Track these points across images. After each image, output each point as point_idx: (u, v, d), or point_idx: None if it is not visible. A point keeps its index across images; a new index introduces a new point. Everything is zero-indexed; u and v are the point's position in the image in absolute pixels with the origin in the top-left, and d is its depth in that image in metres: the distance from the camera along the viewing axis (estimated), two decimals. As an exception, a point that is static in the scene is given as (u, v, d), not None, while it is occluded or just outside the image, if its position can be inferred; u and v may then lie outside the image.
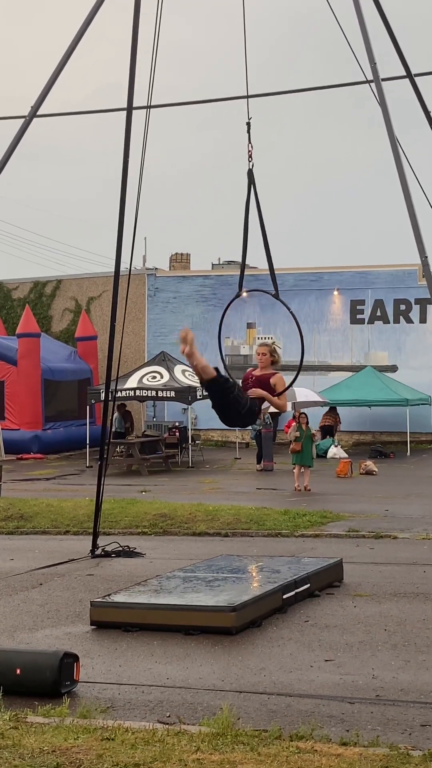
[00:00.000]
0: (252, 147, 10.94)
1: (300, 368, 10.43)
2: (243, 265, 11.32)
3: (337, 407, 30.57)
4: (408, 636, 9.00)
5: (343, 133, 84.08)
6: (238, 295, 11.06)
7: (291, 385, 10.81)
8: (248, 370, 10.62)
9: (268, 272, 10.79)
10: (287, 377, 10.33)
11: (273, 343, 10.44)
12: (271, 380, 10.16)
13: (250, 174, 10.88)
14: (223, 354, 11.32)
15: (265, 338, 32.67)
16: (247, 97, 12.12)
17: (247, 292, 11.00)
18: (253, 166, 10.88)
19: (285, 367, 10.41)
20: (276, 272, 10.81)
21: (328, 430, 30.38)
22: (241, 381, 10.31)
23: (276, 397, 10.14)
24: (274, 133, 77.46)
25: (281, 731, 6.33)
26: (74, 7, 74.12)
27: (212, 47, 78.73)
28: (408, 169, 10.71)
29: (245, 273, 11.21)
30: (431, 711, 6.94)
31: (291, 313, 10.62)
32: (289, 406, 26.19)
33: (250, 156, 10.89)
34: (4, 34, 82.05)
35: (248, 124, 11.14)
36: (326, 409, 30.38)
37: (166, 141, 78.99)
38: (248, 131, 11.08)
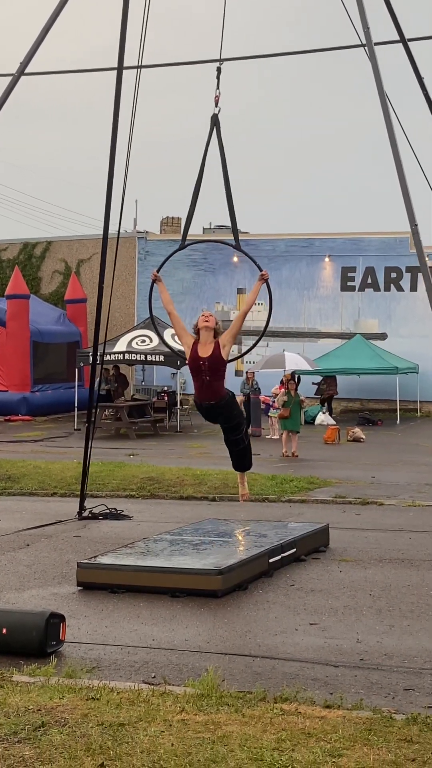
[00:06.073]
0: (219, 93, 10.69)
1: (268, 322, 10.16)
2: (190, 215, 10.92)
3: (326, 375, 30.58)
4: (393, 601, 9.06)
5: (337, 99, 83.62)
6: (181, 247, 10.93)
7: (254, 346, 10.61)
8: (192, 349, 9.75)
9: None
10: (256, 342, 10.05)
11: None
12: (222, 351, 9.64)
13: (214, 118, 10.62)
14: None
15: (257, 304, 32.59)
16: (220, 60, 11.82)
17: (193, 243, 10.56)
18: (219, 111, 10.65)
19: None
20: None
21: (328, 401, 30.70)
22: (189, 369, 9.81)
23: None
24: (265, 98, 76.92)
25: (266, 693, 6.38)
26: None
27: (211, 10, 78.06)
28: (400, 134, 10.63)
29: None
30: (414, 675, 7.00)
31: (257, 265, 10.44)
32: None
33: (216, 101, 10.64)
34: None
35: (218, 69, 10.85)
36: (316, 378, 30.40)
37: (159, 104, 78.42)
38: (218, 76, 10.81)
